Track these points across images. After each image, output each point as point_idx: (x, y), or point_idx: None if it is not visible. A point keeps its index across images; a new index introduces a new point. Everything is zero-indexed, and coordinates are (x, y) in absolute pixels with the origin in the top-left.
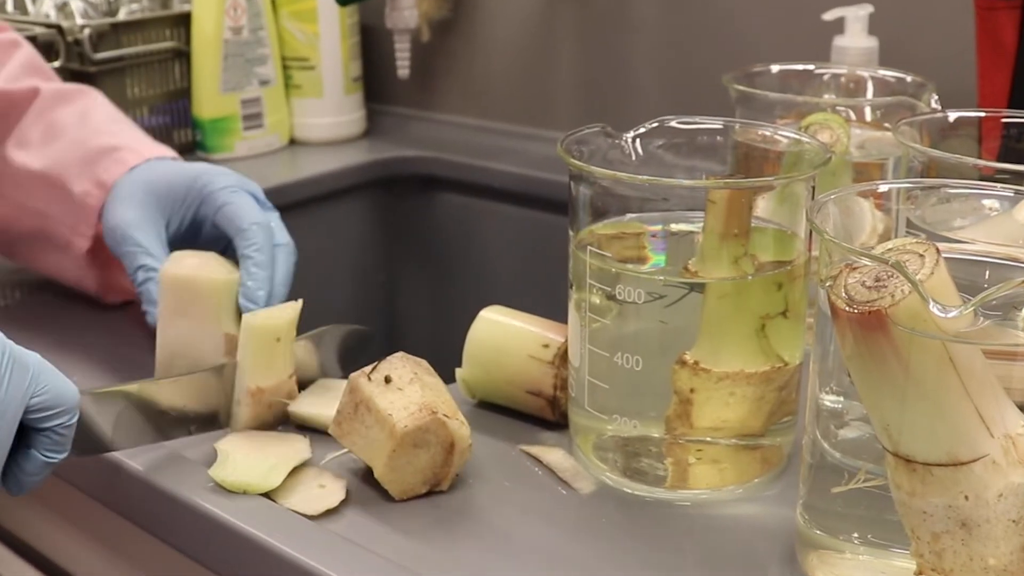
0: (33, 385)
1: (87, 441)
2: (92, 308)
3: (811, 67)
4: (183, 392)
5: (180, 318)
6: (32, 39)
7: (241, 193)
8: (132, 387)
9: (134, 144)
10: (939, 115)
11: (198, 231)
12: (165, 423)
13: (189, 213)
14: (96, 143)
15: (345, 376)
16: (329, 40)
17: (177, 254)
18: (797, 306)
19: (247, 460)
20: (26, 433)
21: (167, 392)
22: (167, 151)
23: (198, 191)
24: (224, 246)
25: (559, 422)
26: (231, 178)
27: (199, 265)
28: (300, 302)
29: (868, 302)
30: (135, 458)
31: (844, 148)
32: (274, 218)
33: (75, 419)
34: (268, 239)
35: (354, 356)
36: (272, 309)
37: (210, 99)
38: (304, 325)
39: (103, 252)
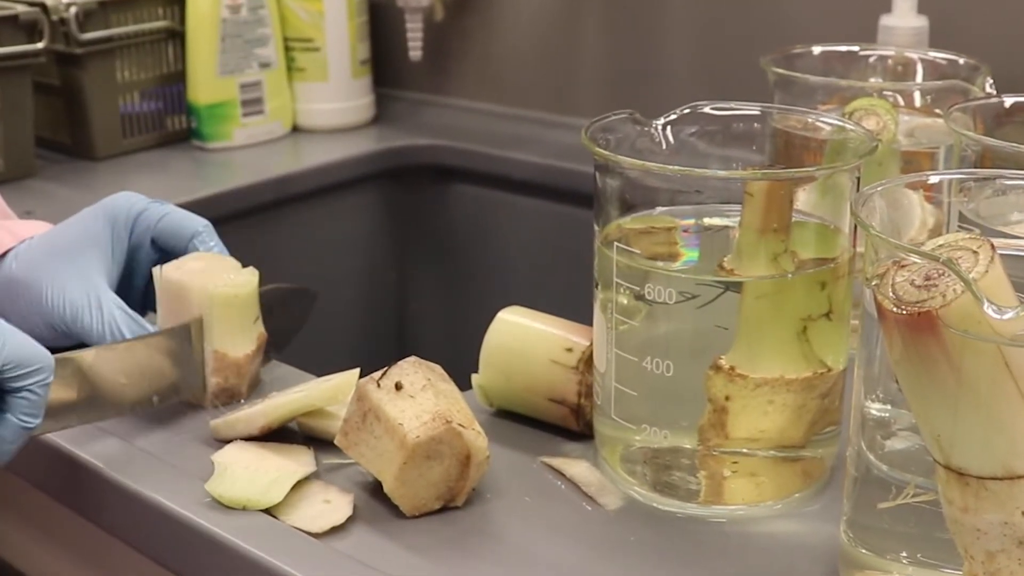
0: (4, 347)
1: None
2: None
3: (856, 48)
4: (142, 358)
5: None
6: (14, 18)
7: (165, 203)
8: (87, 354)
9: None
10: (994, 100)
11: (129, 263)
12: (124, 393)
13: (121, 254)
14: None
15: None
16: (335, 19)
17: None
18: (841, 307)
19: (247, 473)
20: (1, 399)
21: (123, 359)
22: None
23: (123, 223)
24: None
25: (583, 432)
26: (141, 197)
27: (202, 270)
28: (255, 271)
29: (917, 302)
30: (125, 470)
31: (891, 136)
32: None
33: (50, 379)
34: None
35: (299, 320)
36: (232, 275)
37: (206, 83)
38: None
39: None
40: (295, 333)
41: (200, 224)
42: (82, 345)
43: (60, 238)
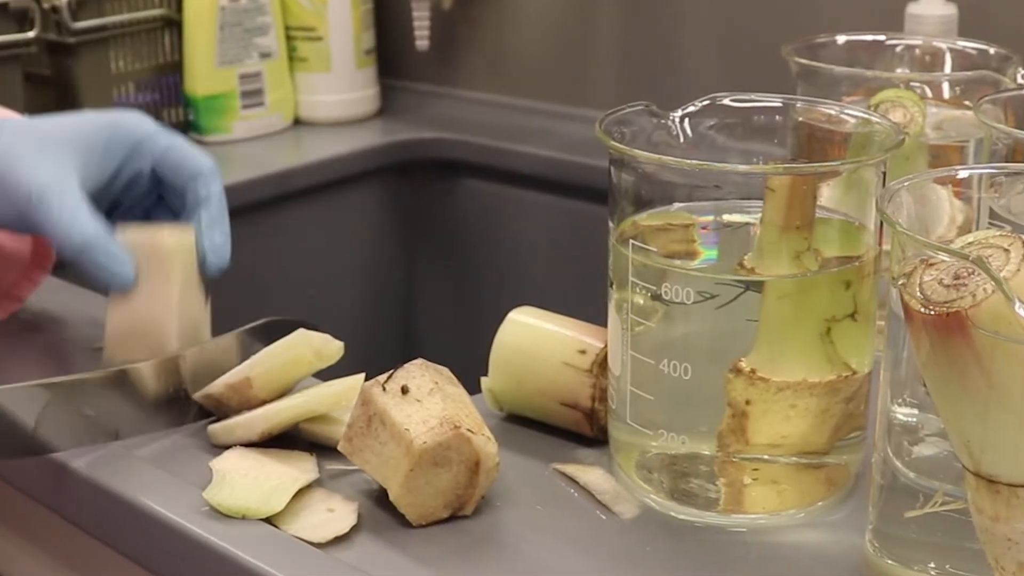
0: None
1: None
2: None
3: (882, 38)
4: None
5: (132, 292)
6: (3, 7)
7: (176, 134)
8: (59, 381)
9: None
10: None
11: (118, 190)
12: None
13: (110, 168)
14: None
15: None
16: (338, 7)
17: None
18: (866, 307)
19: (246, 481)
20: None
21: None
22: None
23: (123, 138)
24: (152, 203)
25: (598, 438)
26: (152, 122)
27: (153, 230)
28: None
29: (946, 302)
30: (118, 477)
31: (919, 129)
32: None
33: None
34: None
35: None
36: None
37: (204, 74)
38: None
39: None
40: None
41: (206, 166)
42: None
43: (49, 124)
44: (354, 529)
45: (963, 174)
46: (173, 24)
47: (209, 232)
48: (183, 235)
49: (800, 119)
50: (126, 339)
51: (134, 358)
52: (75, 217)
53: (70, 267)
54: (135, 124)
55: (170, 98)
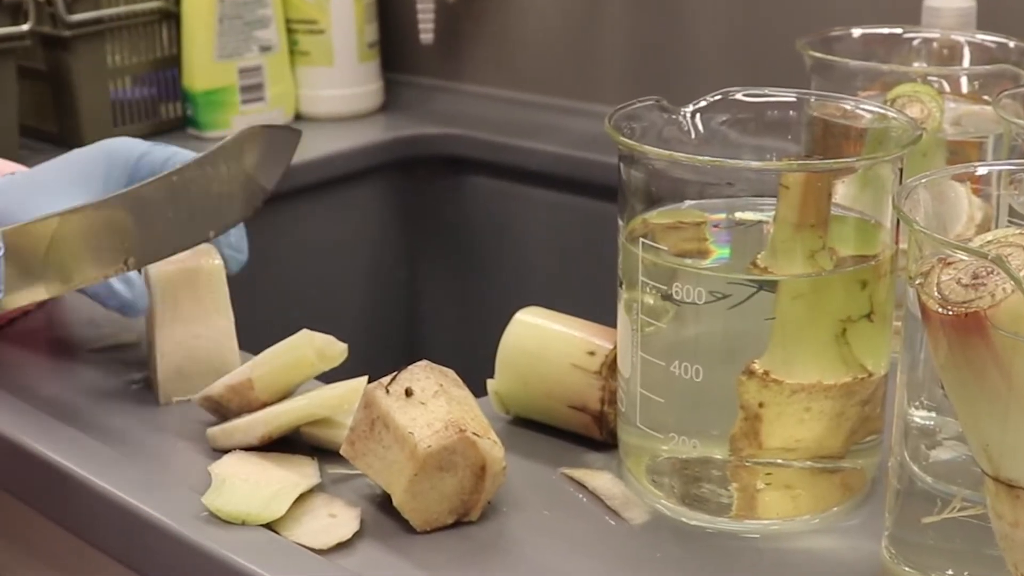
0: None
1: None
2: None
3: (899, 31)
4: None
5: (179, 323)
6: None
7: (169, 146)
8: (51, 221)
9: None
10: None
11: None
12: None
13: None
14: None
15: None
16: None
17: None
18: (882, 307)
19: (246, 486)
20: None
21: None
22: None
23: (120, 164)
24: None
25: (607, 442)
26: (143, 142)
27: (177, 259)
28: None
29: (964, 303)
30: (114, 481)
31: (937, 124)
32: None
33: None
34: None
35: (283, 158)
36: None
37: (203, 68)
38: (310, 328)
39: None
40: (280, 172)
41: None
42: None
43: (45, 174)
44: (356, 535)
45: (982, 171)
46: (171, 17)
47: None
48: (212, 264)
49: (815, 114)
50: (183, 372)
51: (195, 390)
52: None
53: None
54: (128, 147)
55: (168, 93)
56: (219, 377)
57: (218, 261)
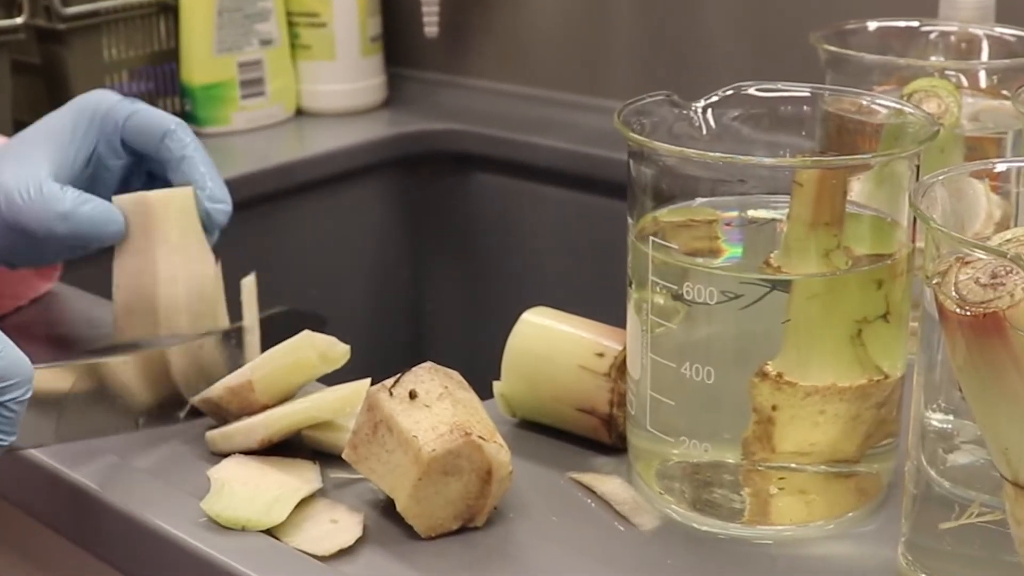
0: None
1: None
2: None
3: (915, 24)
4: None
5: (133, 256)
6: None
7: (138, 101)
8: (91, 362)
9: None
10: None
11: (106, 170)
12: (117, 409)
13: (85, 149)
14: None
15: None
16: None
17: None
18: (899, 308)
19: (246, 491)
20: None
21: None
22: None
23: (87, 116)
24: (143, 183)
25: (616, 445)
26: (115, 95)
27: (143, 193)
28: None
29: (983, 303)
30: (112, 487)
31: (954, 120)
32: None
33: (29, 394)
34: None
35: None
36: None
37: (202, 62)
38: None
39: None
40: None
41: (172, 121)
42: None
43: (16, 139)
44: (359, 541)
45: (1001, 167)
46: (169, 10)
47: (200, 183)
48: (174, 192)
49: (829, 109)
50: (132, 314)
51: (142, 333)
52: (48, 197)
53: (70, 243)
54: (96, 99)
55: (166, 88)
56: (164, 324)
57: (174, 197)
